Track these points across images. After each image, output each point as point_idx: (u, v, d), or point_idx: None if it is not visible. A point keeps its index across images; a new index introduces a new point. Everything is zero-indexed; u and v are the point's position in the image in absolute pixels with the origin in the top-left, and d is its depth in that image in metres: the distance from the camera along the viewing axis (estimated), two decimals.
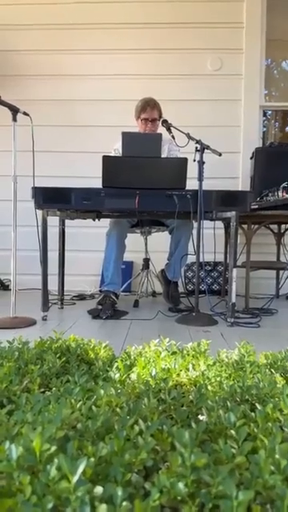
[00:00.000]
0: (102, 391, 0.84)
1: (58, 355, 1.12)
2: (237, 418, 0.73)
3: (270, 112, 4.16)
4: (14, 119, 2.22)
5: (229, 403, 0.80)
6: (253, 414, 0.78)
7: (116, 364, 1.08)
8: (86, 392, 0.87)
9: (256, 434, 0.72)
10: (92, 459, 0.60)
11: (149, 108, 2.74)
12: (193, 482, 0.57)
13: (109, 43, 3.41)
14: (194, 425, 0.71)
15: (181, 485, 0.56)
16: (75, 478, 0.54)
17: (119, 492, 0.54)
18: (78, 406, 0.78)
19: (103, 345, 1.25)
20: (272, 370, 1.09)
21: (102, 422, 0.71)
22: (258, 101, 3.43)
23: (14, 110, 2.22)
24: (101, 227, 2.82)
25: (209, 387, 0.92)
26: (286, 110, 3.98)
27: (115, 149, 2.75)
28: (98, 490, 0.55)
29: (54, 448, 0.60)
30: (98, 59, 3.44)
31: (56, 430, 0.65)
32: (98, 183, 2.27)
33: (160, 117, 2.78)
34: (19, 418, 0.73)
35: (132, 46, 3.40)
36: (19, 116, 2.23)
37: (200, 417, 0.81)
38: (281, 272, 3.22)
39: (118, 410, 0.79)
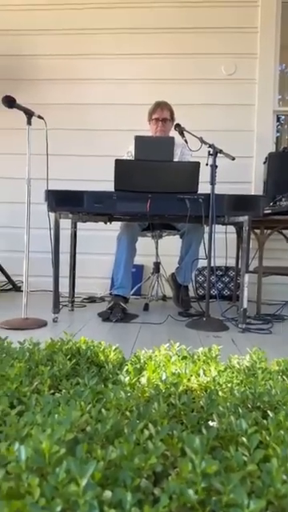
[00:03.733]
0: (111, 394, 0.84)
1: (68, 357, 1.12)
2: (248, 424, 0.72)
3: (283, 117, 4.13)
4: (29, 123, 2.25)
5: (240, 410, 0.79)
6: (265, 421, 0.77)
7: (126, 367, 1.07)
8: (95, 395, 0.86)
9: (268, 442, 0.70)
10: (101, 463, 0.60)
11: (159, 108, 2.76)
12: (203, 489, 0.56)
13: (123, 48, 3.43)
14: (204, 431, 0.70)
15: (191, 492, 0.55)
16: (84, 482, 0.53)
17: (128, 497, 0.53)
18: (88, 408, 0.78)
19: (113, 347, 1.24)
20: (284, 377, 1.07)
21: (111, 426, 0.71)
22: (271, 105, 3.41)
23: (29, 114, 2.24)
24: (112, 230, 2.82)
25: (220, 393, 0.91)
26: None
27: (128, 151, 2.76)
28: (107, 494, 0.54)
29: (63, 450, 0.60)
30: (111, 63, 3.46)
31: (65, 432, 0.65)
32: (110, 187, 2.28)
33: (172, 118, 2.79)
34: (29, 420, 0.73)
35: (145, 51, 3.42)
36: (34, 120, 2.26)
37: (210, 423, 0.79)
38: None
39: (127, 413, 0.79)
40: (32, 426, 0.70)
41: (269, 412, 0.80)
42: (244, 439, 0.68)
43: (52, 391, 0.96)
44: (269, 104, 3.40)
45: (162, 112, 2.77)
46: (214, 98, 3.40)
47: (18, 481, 0.57)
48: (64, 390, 0.92)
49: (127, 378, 0.99)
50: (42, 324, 2.20)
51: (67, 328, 2.17)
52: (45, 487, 0.54)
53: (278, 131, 3.75)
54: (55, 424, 0.68)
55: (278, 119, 3.75)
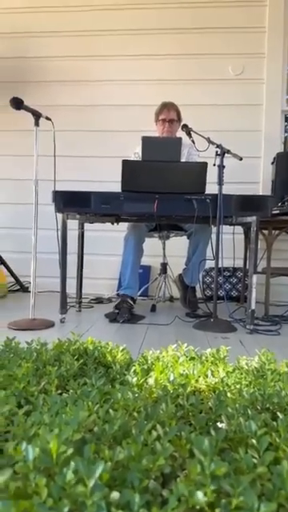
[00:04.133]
0: (119, 395, 0.83)
1: (75, 357, 1.12)
2: (258, 426, 0.71)
3: None
4: (37, 124, 2.26)
5: (249, 411, 0.78)
6: (274, 423, 0.76)
7: (133, 368, 1.06)
8: (103, 395, 0.86)
9: (278, 444, 0.69)
10: (109, 463, 0.59)
11: (166, 109, 2.76)
12: (212, 491, 0.55)
13: (129, 49, 3.44)
14: (213, 432, 0.69)
15: (200, 494, 0.54)
16: (92, 482, 0.53)
17: (136, 499, 0.53)
18: (95, 408, 0.78)
19: (120, 348, 1.24)
20: None
21: (119, 426, 0.70)
22: (279, 106, 3.38)
23: (37, 115, 2.25)
24: (119, 231, 2.82)
25: (228, 394, 0.90)
26: None
27: (135, 152, 2.76)
28: (115, 495, 0.53)
29: (70, 450, 0.60)
30: (118, 65, 3.47)
31: (73, 432, 0.65)
32: (117, 187, 2.27)
33: (179, 119, 2.79)
34: (36, 419, 0.73)
35: (153, 52, 3.42)
36: (41, 121, 2.27)
37: (219, 424, 0.79)
38: None
39: (135, 414, 0.78)
40: (39, 426, 0.70)
41: (278, 414, 0.79)
42: (253, 441, 0.67)
43: (59, 391, 0.96)
44: (277, 104, 3.37)
45: (168, 113, 2.77)
46: (222, 98, 3.38)
47: (25, 481, 0.56)
48: (71, 391, 0.92)
49: (135, 379, 0.98)
50: (49, 325, 2.21)
51: (74, 329, 2.17)
52: (52, 487, 0.54)
53: (286, 131, 3.72)
54: (63, 424, 0.67)
55: (286, 119, 3.72)
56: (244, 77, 3.38)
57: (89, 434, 0.70)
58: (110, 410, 0.76)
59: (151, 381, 0.97)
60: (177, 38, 3.40)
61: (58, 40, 3.51)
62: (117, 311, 2.48)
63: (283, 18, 3.31)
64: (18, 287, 3.38)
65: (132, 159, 2.75)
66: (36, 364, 1.06)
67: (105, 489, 0.53)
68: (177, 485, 0.56)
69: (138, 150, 2.59)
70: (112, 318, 2.42)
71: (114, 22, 3.44)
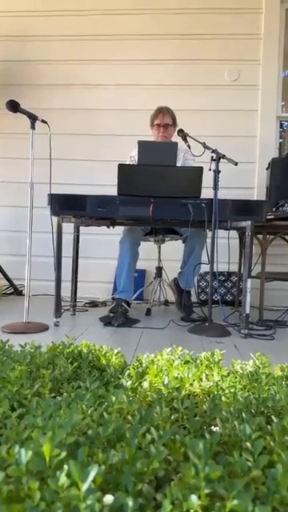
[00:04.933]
0: (113, 398, 0.83)
1: (69, 360, 1.11)
2: (252, 430, 0.71)
3: (286, 123, 4.13)
4: (33, 127, 2.26)
5: (244, 415, 0.78)
6: (269, 426, 0.75)
7: (128, 371, 1.06)
8: (97, 398, 0.85)
9: (272, 448, 0.69)
10: (102, 467, 0.59)
11: (161, 114, 2.78)
12: (206, 494, 0.55)
13: (126, 54, 3.46)
14: (207, 435, 0.69)
15: (194, 497, 0.54)
16: (85, 486, 0.52)
17: (130, 502, 0.52)
18: (89, 412, 0.77)
19: (115, 351, 1.23)
20: None
21: (113, 429, 0.70)
22: (274, 111, 3.41)
23: (33, 118, 2.25)
24: (115, 235, 2.82)
25: (223, 398, 0.90)
26: None
27: (131, 156, 2.77)
28: (109, 499, 0.53)
29: (63, 454, 0.59)
30: (115, 69, 3.48)
31: (66, 435, 0.64)
32: (113, 191, 2.28)
33: (174, 124, 2.80)
34: (30, 422, 0.72)
35: (150, 57, 3.44)
36: (37, 125, 2.27)
37: (214, 428, 0.78)
38: None
39: (129, 417, 0.78)
40: (33, 429, 0.69)
41: (273, 417, 0.79)
42: (248, 444, 0.67)
43: (53, 394, 0.95)
44: (272, 110, 3.40)
45: (163, 118, 2.78)
46: (218, 103, 3.41)
47: (18, 484, 0.56)
48: (65, 394, 0.91)
49: (129, 382, 0.98)
50: (43, 328, 2.20)
51: (69, 332, 2.16)
52: (45, 491, 0.53)
53: (280, 138, 3.75)
54: (56, 427, 0.67)
55: (281, 125, 3.76)
56: (240, 83, 3.41)
57: (82, 437, 0.70)
58: (104, 413, 0.76)
59: (146, 384, 0.97)
60: (173, 43, 3.43)
61: (54, 44, 3.52)
62: (112, 315, 2.47)
63: (278, 24, 3.35)
64: (12, 290, 3.36)
65: (128, 163, 2.76)
66: (30, 367, 1.05)
67: (98, 492, 0.53)
68: (171, 488, 0.56)
69: (134, 153, 2.60)
70: (107, 321, 2.41)
71: (111, 26, 3.46)
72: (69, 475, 0.54)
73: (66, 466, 0.55)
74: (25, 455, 0.58)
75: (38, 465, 0.58)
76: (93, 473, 0.53)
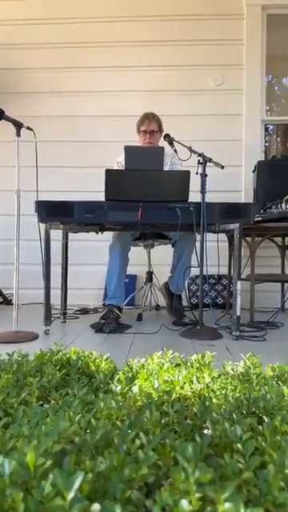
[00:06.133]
0: (101, 404, 0.81)
1: (57, 367, 1.09)
2: (243, 431, 0.69)
3: (271, 127, 4.19)
4: (18, 134, 2.24)
5: (235, 416, 0.77)
6: (260, 427, 0.74)
7: (117, 376, 1.04)
8: (85, 405, 0.83)
9: (264, 448, 0.68)
10: (90, 475, 0.57)
11: (147, 120, 2.79)
12: (197, 499, 0.53)
13: (112, 60, 3.47)
14: (198, 438, 0.67)
15: (184, 502, 0.52)
16: (71, 495, 0.50)
17: (118, 510, 0.51)
18: (77, 419, 0.75)
19: (104, 357, 1.21)
20: (279, 383, 1.05)
21: (101, 436, 0.68)
22: (259, 115, 3.45)
23: (18, 125, 2.24)
24: (104, 241, 2.81)
25: (214, 400, 0.88)
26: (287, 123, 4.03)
27: (118, 162, 2.77)
28: (95, 507, 0.51)
29: (49, 462, 0.57)
30: (102, 76, 3.49)
31: (52, 443, 0.62)
32: (100, 198, 2.27)
33: (160, 130, 2.81)
34: (15, 432, 0.70)
35: (136, 63, 3.46)
36: (24, 132, 2.26)
37: (205, 430, 0.77)
38: (286, 285, 3.18)
39: (118, 423, 0.76)
40: (18, 439, 0.67)
41: (264, 417, 0.77)
42: (239, 446, 0.65)
43: (41, 402, 0.93)
44: (256, 114, 3.44)
45: (149, 124, 2.79)
46: (203, 108, 3.44)
47: (1, 496, 0.53)
48: (53, 401, 0.89)
49: (118, 387, 0.96)
50: (33, 337, 2.16)
51: (59, 340, 2.12)
52: (29, 502, 0.51)
53: (266, 141, 3.80)
54: (42, 435, 0.65)
55: (266, 129, 3.81)
56: (224, 87, 3.45)
57: (70, 444, 0.68)
58: (92, 420, 0.74)
59: (135, 389, 0.95)
60: (158, 50, 3.45)
61: (39, 52, 3.52)
62: (103, 321, 2.45)
63: (260, 30, 3.41)
64: (1, 300, 3.31)
65: (115, 168, 2.76)
66: (16, 375, 1.03)
67: (85, 501, 0.51)
68: (160, 494, 0.54)
69: (121, 159, 2.60)
70: (98, 328, 2.39)
71: (97, 34, 3.47)
72: (54, 484, 0.52)
73: (51, 476, 0.53)
74: (8, 466, 0.56)
75: (22, 475, 0.56)
76: (78, 481, 0.51)
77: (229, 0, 3.41)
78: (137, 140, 2.89)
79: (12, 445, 0.66)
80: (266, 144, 3.84)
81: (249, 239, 2.68)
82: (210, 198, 2.28)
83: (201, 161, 2.31)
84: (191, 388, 0.96)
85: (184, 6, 3.42)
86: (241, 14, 3.41)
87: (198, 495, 0.54)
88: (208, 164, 2.33)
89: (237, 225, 2.22)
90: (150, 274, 3.00)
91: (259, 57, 3.41)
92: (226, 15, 3.41)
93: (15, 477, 0.55)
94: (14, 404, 0.85)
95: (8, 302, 3.27)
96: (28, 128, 2.28)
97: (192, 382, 0.99)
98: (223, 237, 2.97)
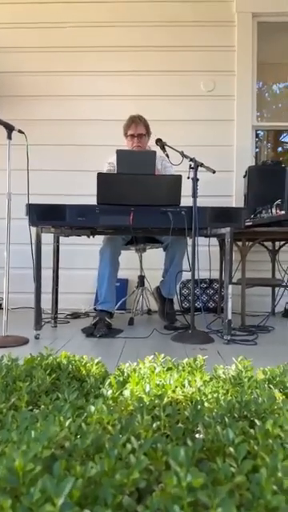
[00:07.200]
0: (92, 408, 0.80)
1: (47, 372, 1.07)
2: (235, 434, 0.69)
3: (262, 133, 4.24)
4: (9, 137, 2.23)
5: (227, 419, 0.76)
6: (252, 430, 0.74)
7: (109, 381, 1.03)
8: (76, 409, 0.82)
9: (256, 452, 0.67)
10: (80, 480, 0.56)
11: (134, 124, 2.76)
12: (189, 503, 0.53)
13: (106, 65, 3.48)
14: (190, 442, 0.67)
15: (176, 507, 0.52)
16: (60, 501, 0.49)
17: None
18: (67, 423, 0.74)
19: (95, 361, 1.20)
20: (271, 386, 1.04)
21: (91, 440, 0.67)
22: (250, 121, 3.49)
23: (9, 129, 2.23)
24: (95, 244, 2.80)
25: (205, 403, 0.88)
26: (278, 129, 4.08)
27: (110, 162, 2.75)
28: None
29: (38, 468, 0.56)
30: (94, 80, 3.50)
31: (42, 448, 0.61)
32: (92, 201, 2.26)
33: (148, 132, 2.80)
34: (4, 437, 0.68)
35: (128, 68, 3.47)
36: (17, 136, 2.24)
37: (196, 434, 0.76)
38: (276, 289, 3.20)
39: (109, 427, 0.75)
40: (7, 444, 0.65)
41: (256, 421, 0.77)
42: (231, 449, 0.65)
43: (30, 407, 0.91)
44: (247, 119, 3.48)
45: (136, 128, 2.76)
46: (195, 113, 3.46)
47: None
48: (43, 406, 0.88)
49: (110, 392, 0.95)
50: (23, 341, 2.14)
51: (50, 345, 2.11)
52: (18, 509, 0.50)
53: (256, 147, 3.84)
54: (31, 441, 0.63)
55: (257, 135, 3.85)
56: (215, 93, 3.48)
57: (60, 450, 0.66)
58: (83, 424, 0.73)
59: (127, 393, 0.94)
60: (150, 55, 3.48)
61: (32, 55, 3.51)
62: (94, 326, 2.43)
63: (251, 37, 3.46)
64: None
65: (106, 170, 2.75)
66: (5, 380, 1.01)
67: (75, 507, 0.50)
68: (152, 499, 0.53)
69: (112, 159, 2.59)
70: (89, 332, 2.37)
71: (89, 39, 3.48)
72: (43, 490, 0.51)
73: (40, 481, 0.52)
74: None
75: (10, 481, 0.54)
76: (68, 487, 0.50)
77: (220, 7, 3.45)
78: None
79: (0, 450, 0.64)
80: (257, 149, 3.88)
81: (240, 244, 2.69)
82: (201, 202, 2.29)
83: (192, 165, 2.33)
84: (183, 392, 0.95)
85: (176, 12, 3.46)
86: (232, 22, 3.45)
87: (189, 500, 0.53)
88: (199, 169, 2.34)
89: (228, 229, 2.23)
90: (141, 278, 3.00)
91: (250, 63, 3.46)
92: (217, 22, 3.45)
93: (3, 483, 0.54)
94: (3, 409, 0.84)
95: None
96: (19, 131, 2.26)
97: (184, 385, 0.99)
98: (214, 241, 2.98)
